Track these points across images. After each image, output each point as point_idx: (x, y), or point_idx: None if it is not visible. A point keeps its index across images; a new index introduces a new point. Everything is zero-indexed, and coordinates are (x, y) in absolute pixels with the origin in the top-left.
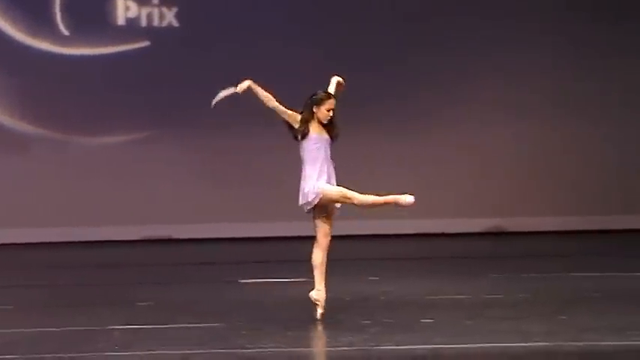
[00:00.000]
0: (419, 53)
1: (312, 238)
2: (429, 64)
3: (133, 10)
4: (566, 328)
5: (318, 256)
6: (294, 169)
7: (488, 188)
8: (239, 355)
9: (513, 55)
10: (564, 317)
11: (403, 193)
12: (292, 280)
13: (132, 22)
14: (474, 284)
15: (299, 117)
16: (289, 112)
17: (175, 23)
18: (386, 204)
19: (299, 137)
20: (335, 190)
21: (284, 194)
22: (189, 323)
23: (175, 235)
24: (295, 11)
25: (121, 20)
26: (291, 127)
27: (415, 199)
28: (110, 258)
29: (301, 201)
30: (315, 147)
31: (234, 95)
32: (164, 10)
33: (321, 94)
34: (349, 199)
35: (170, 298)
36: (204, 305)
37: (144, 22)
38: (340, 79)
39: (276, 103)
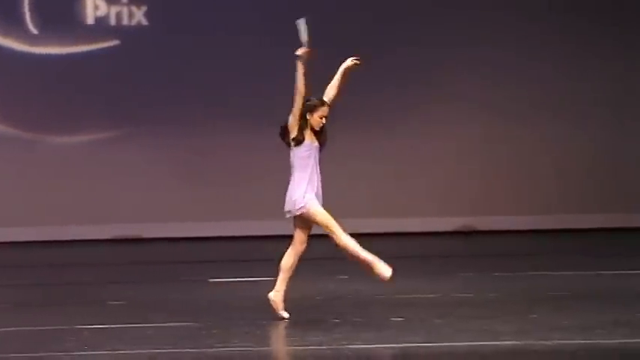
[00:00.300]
0: (392, 51)
1: (282, 237)
2: (399, 62)
3: (102, 9)
4: (536, 327)
5: (289, 260)
6: (265, 167)
7: (459, 187)
8: (209, 354)
9: (486, 56)
10: (534, 316)
11: (384, 262)
12: (262, 279)
13: (101, 21)
14: (445, 283)
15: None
16: (298, 115)
17: (145, 22)
18: (364, 262)
19: (293, 144)
20: (321, 217)
21: (254, 193)
22: (159, 322)
23: (145, 234)
24: (268, 8)
25: (90, 19)
26: (287, 131)
27: (392, 270)
28: (80, 257)
29: (287, 207)
30: (306, 154)
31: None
32: (133, 8)
33: (314, 100)
34: (332, 233)
35: (140, 297)
36: (175, 304)
37: (113, 21)
38: (350, 64)
39: (299, 100)
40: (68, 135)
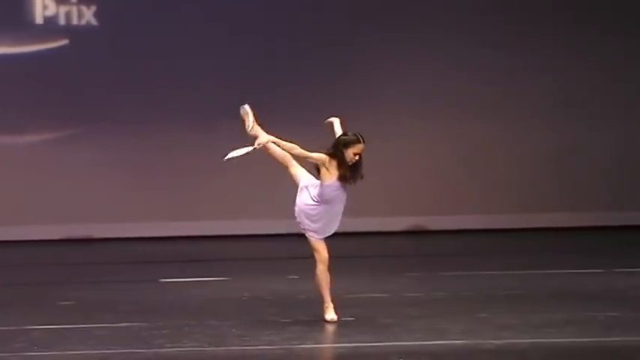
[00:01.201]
0: (333, 50)
1: (232, 237)
2: (347, 61)
3: (51, 9)
4: (485, 326)
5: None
6: (215, 167)
7: (409, 187)
8: (159, 354)
9: (434, 55)
10: (484, 315)
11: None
12: (212, 279)
13: (50, 21)
14: (395, 283)
15: (324, 157)
16: (314, 155)
17: (94, 22)
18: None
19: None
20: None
21: (204, 193)
22: (109, 323)
23: (96, 235)
24: (217, 8)
25: (39, 19)
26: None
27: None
28: (30, 257)
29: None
30: (334, 193)
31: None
32: (83, 8)
33: (351, 136)
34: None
35: (91, 297)
36: (125, 305)
37: (62, 21)
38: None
39: (301, 150)
40: (18, 135)
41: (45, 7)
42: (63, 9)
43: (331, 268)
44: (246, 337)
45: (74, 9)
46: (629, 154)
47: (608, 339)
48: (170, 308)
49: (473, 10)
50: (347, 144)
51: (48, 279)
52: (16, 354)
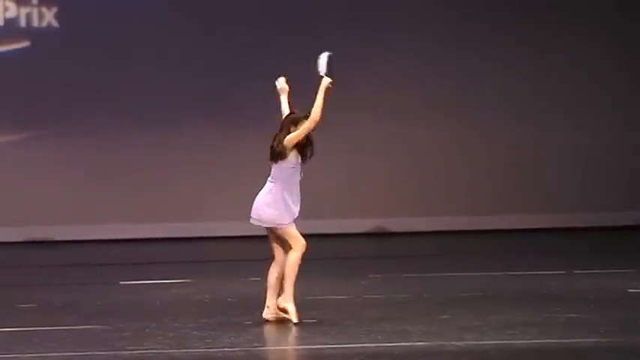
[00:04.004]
0: (296, 48)
1: (193, 240)
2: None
3: (12, 11)
4: (447, 327)
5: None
6: (176, 168)
7: (370, 189)
8: (121, 356)
9: (387, 56)
10: (446, 317)
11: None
12: (173, 281)
13: (11, 23)
14: (356, 284)
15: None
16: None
17: (55, 23)
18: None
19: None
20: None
21: (165, 195)
22: (70, 325)
23: (56, 237)
24: (177, 7)
25: None
26: (279, 151)
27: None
28: None
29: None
30: (291, 170)
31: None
32: (44, 10)
33: (299, 115)
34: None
35: (51, 300)
36: (86, 307)
37: (23, 23)
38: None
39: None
40: None
41: (6, 9)
42: (24, 10)
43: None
44: (207, 339)
45: (35, 10)
46: (595, 157)
47: (569, 340)
48: (131, 310)
49: (455, 8)
50: (297, 122)
51: (8, 281)
52: None
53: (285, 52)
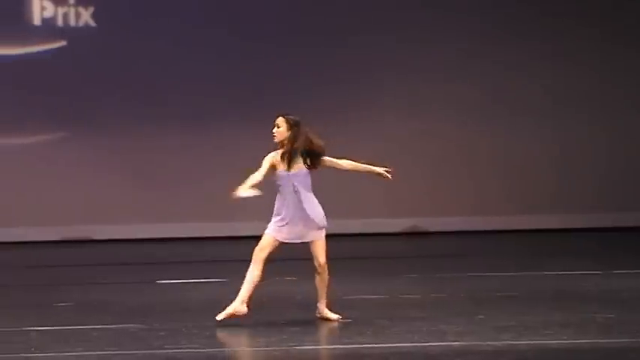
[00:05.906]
0: (325, 52)
1: (229, 239)
2: (339, 62)
3: (50, 10)
4: (483, 327)
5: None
6: (212, 169)
7: (405, 188)
8: (158, 355)
9: (430, 57)
10: (481, 317)
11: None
12: (210, 280)
13: (48, 22)
14: (391, 284)
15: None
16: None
17: (92, 23)
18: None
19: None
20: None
21: (201, 194)
22: (107, 324)
23: (95, 236)
24: (212, 12)
25: (37, 20)
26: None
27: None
28: (29, 259)
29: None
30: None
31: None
32: (80, 9)
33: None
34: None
35: (89, 299)
36: (122, 306)
37: (60, 22)
38: (380, 172)
39: None
40: (16, 136)
41: (43, 9)
42: (61, 10)
43: (330, 270)
44: (243, 339)
45: (72, 10)
46: (620, 156)
47: (606, 340)
48: (168, 309)
49: (467, 9)
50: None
51: (47, 280)
52: (13, 355)
53: (313, 53)
